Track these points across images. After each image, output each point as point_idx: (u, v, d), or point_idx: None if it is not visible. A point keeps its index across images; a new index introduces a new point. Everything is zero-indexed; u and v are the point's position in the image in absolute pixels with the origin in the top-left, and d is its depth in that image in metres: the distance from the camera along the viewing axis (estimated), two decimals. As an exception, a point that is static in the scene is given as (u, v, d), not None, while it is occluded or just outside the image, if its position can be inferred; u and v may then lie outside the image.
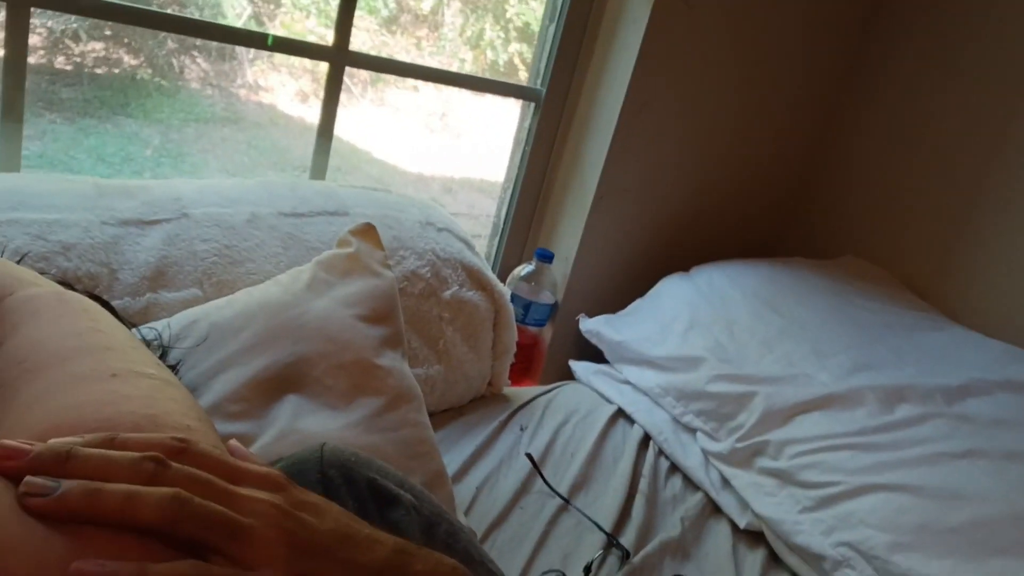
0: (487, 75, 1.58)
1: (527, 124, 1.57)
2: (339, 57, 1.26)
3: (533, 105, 1.55)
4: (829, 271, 1.56)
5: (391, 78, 1.50)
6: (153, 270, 0.95)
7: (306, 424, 0.85)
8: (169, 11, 1.15)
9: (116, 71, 1.23)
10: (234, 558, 0.37)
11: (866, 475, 1.00)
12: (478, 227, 1.68)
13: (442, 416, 1.21)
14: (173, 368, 0.77)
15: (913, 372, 1.21)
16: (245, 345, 0.88)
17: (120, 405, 0.43)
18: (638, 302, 1.52)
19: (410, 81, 1.53)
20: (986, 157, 1.54)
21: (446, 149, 1.66)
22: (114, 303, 0.78)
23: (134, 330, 0.83)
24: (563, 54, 1.50)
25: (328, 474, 0.61)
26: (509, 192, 1.62)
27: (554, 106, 1.54)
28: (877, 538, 0.94)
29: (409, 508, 0.63)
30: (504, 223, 1.64)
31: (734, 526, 1.10)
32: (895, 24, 1.70)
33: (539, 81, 1.54)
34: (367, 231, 1.06)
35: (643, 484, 1.14)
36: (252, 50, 1.29)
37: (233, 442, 0.46)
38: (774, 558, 1.06)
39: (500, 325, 1.27)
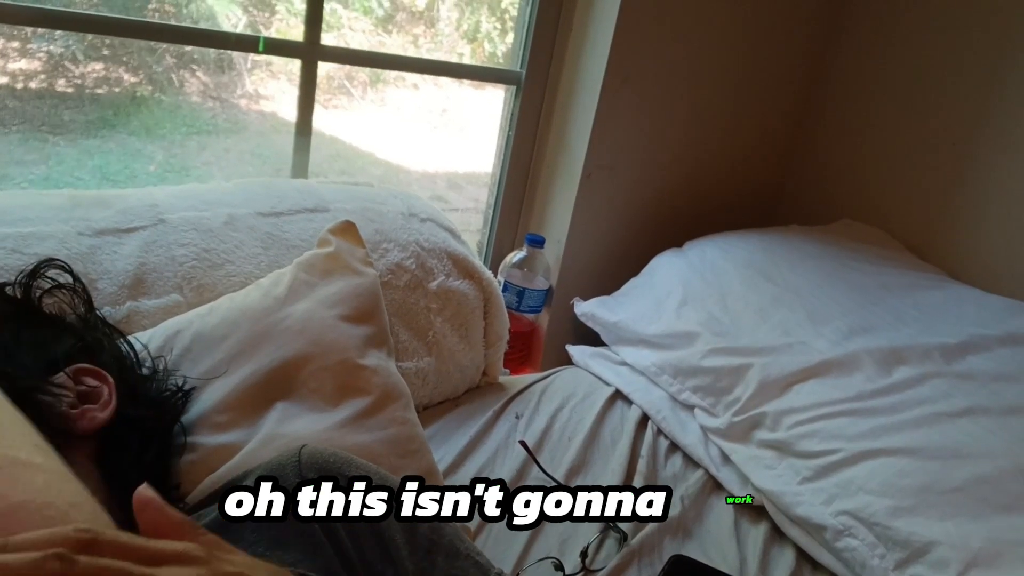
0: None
1: (510, 109, 1.55)
2: (310, 52, 1.25)
3: (515, 88, 1.53)
4: (825, 236, 1.54)
5: (390, 78, 1.50)
6: (132, 278, 0.94)
7: (292, 427, 0.84)
8: (158, 20, 1.16)
9: (117, 90, 1.24)
10: None
11: (864, 441, 0.99)
12: (482, 221, 1.67)
13: (437, 408, 1.20)
14: (156, 375, 0.77)
15: (911, 332, 1.19)
16: (229, 353, 0.87)
17: (9, 498, 0.40)
18: (632, 281, 1.50)
19: (409, 79, 1.53)
20: (975, 110, 1.51)
21: (449, 145, 1.66)
22: (94, 314, 0.77)
23: (131, 337, 0.83)
24: (540, 33, 1.48)
25: (307, 477, 0.61)
26: (497, 180, 1.60)
27: (535, 87, 1.52)
28: (877, 504, 0.92)
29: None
30: (494, 211, 1.62)
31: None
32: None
33: (519, 64, 1.52)
34: (347, 229, 1.05)
35: (642, 464, 1.13)
36: (249, 60, 1.31)
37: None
38: (777, 532, 1.04)
39: (491, 313, 1.26)
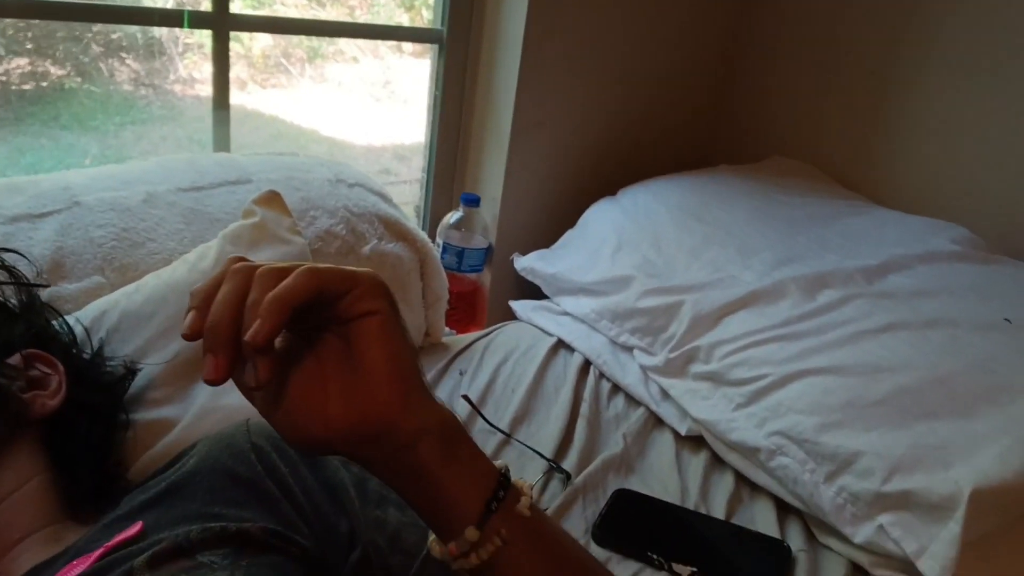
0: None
1: (436, 70, 1.54)
2: (221, 22, 1.22)
3: (438, 47, 1.52)
4: (754, 174, 1.57)
5: (328, 52, 1.49)
6: (50, 263, 0.93)
7: (229, 400, 0.84)
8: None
9: (44, 84, 1.21)
10: (358, 296, 0.41)
11: (792, 363, 1.02)
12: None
13: (381, 371, 1.21)
14: (98, 359, 0.77)
15: (835, 258, 1.22)
16: (159, 330, 0.86)
17: None
18: (569, 233, 1.51)
19: (348, 53, 1.51)
20: (892, 44, 1.54)
21: (393, 117, 1.64)
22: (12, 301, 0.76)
23: (71, 317, 0.82)
24: (459, -12, 1.46)
25: (257, 443, 0.61)
26: (429, 143, 1.60)
27: (458, 46, 1.51)
28: (805, 422, 0.95)
29: (339, 467, 0.64)
30: (428, 174, 1.62)
31: (676, 435, 1.12)
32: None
33: (440, 22, 1.50)
34: (272, 198, 1.04)
35: (584, 408, 1.15)
36: (180, 43, 1.29)
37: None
38: (716, 459, 1.08)
39: (427, 274, 1.27)
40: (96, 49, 1.22)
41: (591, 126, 1.65)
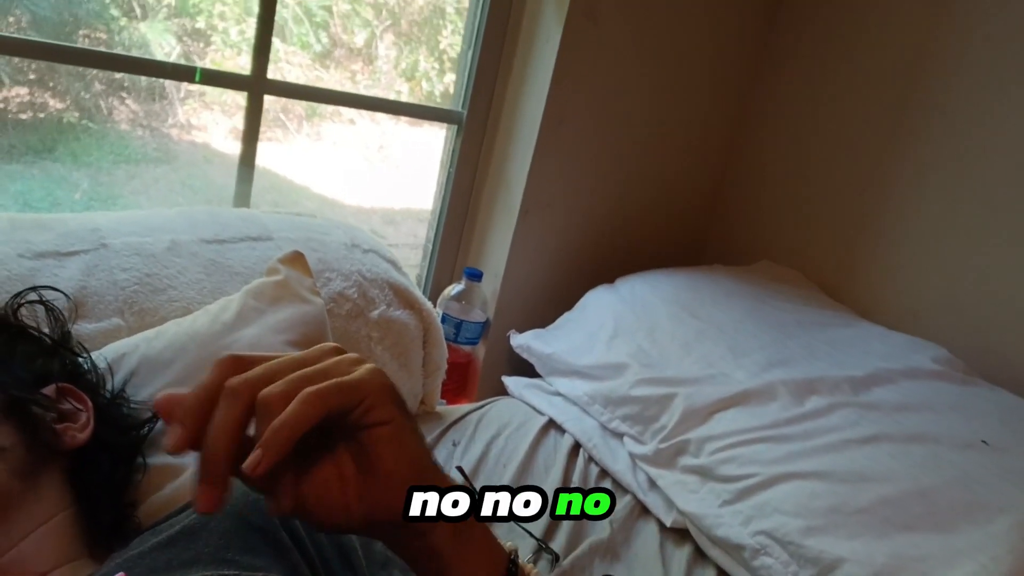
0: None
1: (451, 147, 1.61)
2: (257, 85, 1.28)
3: (456, 127, 1.59)
4: (745, 276, 1.63)
5: (327, 112, 1.53)
6: (72, 301, 0.94)
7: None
8: (89, 47, 1.16)
9: (42, 115, 1.22)
10: (367, 408, 0.41)
11: (780, 465, 1.05)
12: (420, 256, 1.70)
13: (375, 435, 1.22)
14: (118, 400, 0.78)
15: (823, 366, 1.28)
16: (177, 377, 0.88)
17: None
18: (566, 315, 1.56)
19: (346, 114, 1.56)
20: (883, 160, 1.64)
21: (385, 180, 1.69)
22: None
23: (95, 356, 0.83)
24: (482, 76, 1.54)
25: None
26: (437, 215, 1.65)
27: (476, 127, 1.58)
28: (791, 524, 0.98)
29: None
30: (433, 245, 1.66)
31: (661, 525, 1.14)
32: (794, 33, 1.80)
33: (461, 104, 1.58)
34: (296, 259, 1.07)
35: (574, 490, 1.17)
36: (183, 89, 1.31)
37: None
38: (699, 553, 1.10)
39: (430, 343, 1.30)
40: (98, 87, 1.24)
41: (594, 214, 1.72)
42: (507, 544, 0.49)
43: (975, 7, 1.51)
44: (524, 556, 1.01)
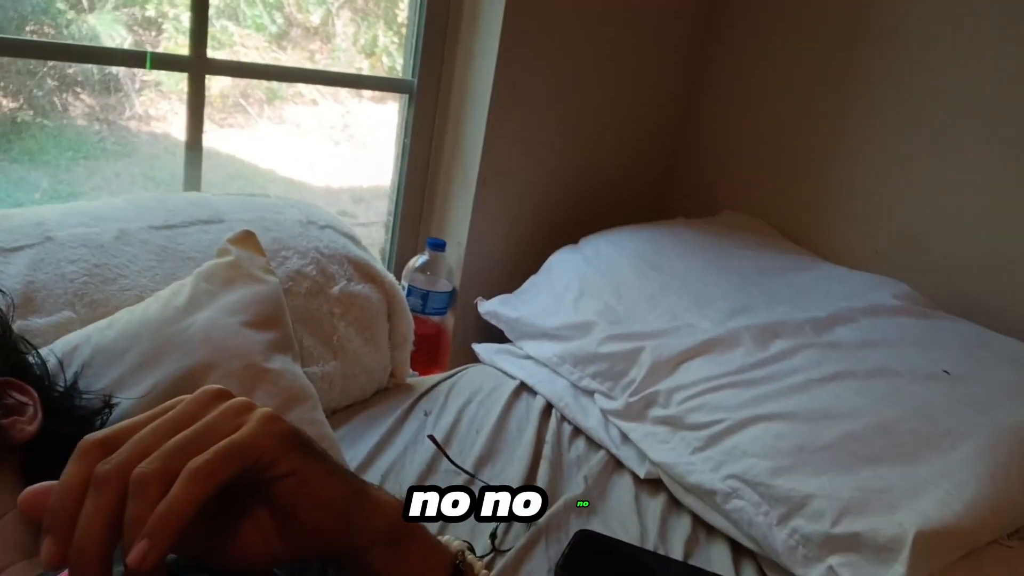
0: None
1: (405, 118, 1.59)
2: (197, 66, 1.25)
3: (407, 97, 1.56)
4: (708, 227, 1.64)
5: (287, 94, 1.51)
6: (21, 297, 0.92)
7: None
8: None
9: None
10: (265, 466, 0.38)
11: (746, 409, 1.07)
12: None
13: (346, 411, 1.22)
14: (73, 391, 0.77)
15: (785, 310, 1.29)
16: (132, 365, 0.87)
17: None
18: (532, 278, 1.55)
19: (307, 95, 1.54)
20: (836, 101, 1.65)
21: (352, 160, 1.67)
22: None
23: (44, 350, 0.82)
24: (429, 43, 1.52)
25: None
26: (396, 187, 1.63)
27: (428, 96, 1.56)
28: (760, 465, 1.00)
29: None
30: (395, 218, 1.65)
31: (635, 477, 1.15)
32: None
33: (411, 73, 1.55)
34: (246, 238, 1.06)
35: (547, 450, 1.18)
36: (137, 79, 1.29)
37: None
38: (674, 502, 1.11)
39: (394, 315, 1.29)
40: (51, 83, 1.22)
41: (554, 176, 1.71)
42: (454, 543, 0.49)
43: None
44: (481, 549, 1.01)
